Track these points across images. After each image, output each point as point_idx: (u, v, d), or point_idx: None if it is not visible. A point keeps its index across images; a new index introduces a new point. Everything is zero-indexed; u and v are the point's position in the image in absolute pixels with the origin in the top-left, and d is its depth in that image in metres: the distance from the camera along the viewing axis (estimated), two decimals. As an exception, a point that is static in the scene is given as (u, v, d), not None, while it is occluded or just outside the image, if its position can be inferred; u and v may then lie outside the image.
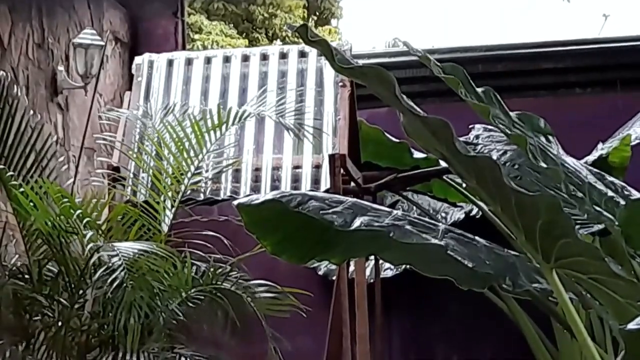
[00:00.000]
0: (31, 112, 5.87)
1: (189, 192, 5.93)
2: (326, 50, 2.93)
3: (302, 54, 6.89)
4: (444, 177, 6.70)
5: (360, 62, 3.09)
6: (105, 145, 6.90)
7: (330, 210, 2.94)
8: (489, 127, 4.65)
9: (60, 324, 5.26)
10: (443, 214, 7.59)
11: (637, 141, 6.84)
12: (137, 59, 7.13)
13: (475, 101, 3.38)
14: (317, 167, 6.40)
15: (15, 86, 6.07)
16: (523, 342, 6.91)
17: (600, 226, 3.66)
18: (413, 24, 29.77)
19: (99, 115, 7.10)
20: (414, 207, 7.38)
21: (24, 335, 5.33)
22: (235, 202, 3.15)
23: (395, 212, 3.06)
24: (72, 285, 5.28)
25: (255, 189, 6.36)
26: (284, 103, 6.27)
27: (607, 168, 5.80)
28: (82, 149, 7.04)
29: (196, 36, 17.05)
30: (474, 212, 7.15)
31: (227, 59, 7.01)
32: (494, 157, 4.14)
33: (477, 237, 3.16)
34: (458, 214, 7.47)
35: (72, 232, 5.24)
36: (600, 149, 6.96)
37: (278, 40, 18.40)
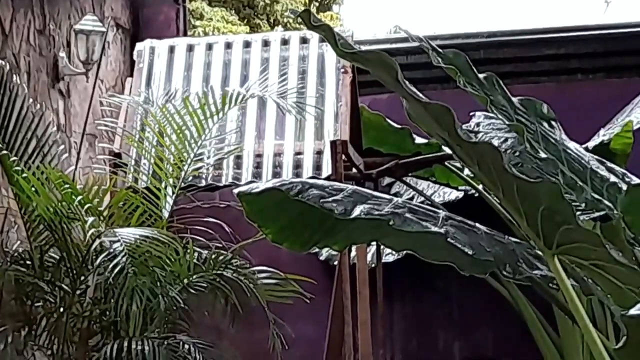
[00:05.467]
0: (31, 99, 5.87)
1: (190, 178, 5.94)
2: (329, 35, 2.92)
3: (304, 41, 6.88)
4: (446, 163, 6.71)
5: (362, 48, 3.09)
6: (106, 131, 6.90)
7: (330, 199, 2.93)
8: (490, 114, 4.65)
9: (61, 310, 5.28)
10: (441, 193, 7.61)
11: (639, 126, 6.83)
12: (139, 45, 7.12)
13: (475, 89, 3.38)
14: (319, 153, 6.40)
15: (16, 73, 6.07)
16: (524, 328, 6.93)
17: (601, 212, 3.66)
18: (414, 10, 29.75)
19: (100, 101, 7.09)
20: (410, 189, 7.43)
21: (25, 321, 5.35)
22: (236, 191, 3.14)
23: (395, 199, 3.05)
24: (74, 272, 5.29)
25: (257, 175, 6.36)
26: (285, 85, 6.26)
27: (608, 155, 5.80)
28: (83, 135, 7.04)
29: (197, 23, 17.03)
30: (472, 191, 7.15)
31: (228, 46, 7.00)
32: (495, 144, 4.14)
33: (477, 224, 3.16)
34: (456, 193, 7.49)
35: (73, 218, 5.25)
36: (602, 135, 6.96)
37: (279, 26, 18.38)
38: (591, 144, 6.67)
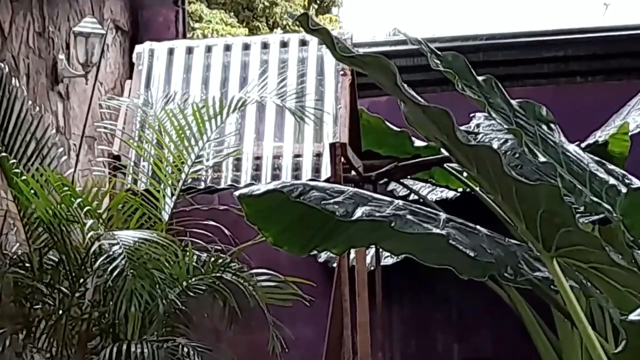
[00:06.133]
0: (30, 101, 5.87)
1: (189, 180, 5.93)
2: (327, 39, 2.92)
3: (303, 43, 6.89)
4: (445, 165, 6.70)
5: (361, 50, 3.09)
6: (105, 133, 6.90)
7: (331, 201, 2.93)
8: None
9: (60, 312, 5.27)
10: (438, 191, 7.63)
11: (638, 130, 6.82)
12: (138, 48, 7.13)
13: (473, 92, 3.38)
14: (318, 155, 6.40)
15: (15, 75, 6.07)
16: (523, 331, 6.93)
17: (601, 215, 3.66)
18: (414, 12, 29.76)
19: (99, 103, 7.09)
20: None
21: (24, 324, 5.34)
22: (237, 193, 3.14)
23: (396, 201, 3.05)
24: (73, 274, 5.28)
25: (256, 177, 6.36)
26: (284, 88, 6.26)
27: (607, 157, 5.79)
28: (82, 137, 7.04)
29: (196, 25, 17.02)
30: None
31: (227, 48, 7.00)
32: (495, 146, 4.14)
33: (478, 227, 3.16)
34: (454, 192, 7.51)
35: (72, 220, 5.24)
36: (598, 136, 6.96)
37: (279, 28, 18.37)
38: (583, 144, 6.65)
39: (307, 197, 2.95)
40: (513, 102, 3.83)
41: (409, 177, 7.31)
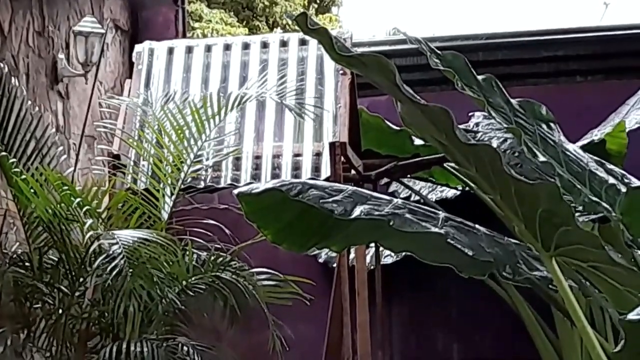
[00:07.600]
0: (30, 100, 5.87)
1: (189, 179, 5.93)
2: (325, 39, 2.91)
3: (303, 42, 6.89)
4: (445, 164, 6.70)
5: (360, 50, 3.09)
6: (105, 133, 6.90)
7: (330, 199, 2.94)
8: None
9: (60, 311, 5.27)
10: (438, 191, 7.63)
11: (637, 126, 6.81)
12: (138, 47, 7.12)
13: (473, 91, 3.38)
14: (318, 155, 6.40)
15: (15, 74, 6.07)
16: (523, 330, 6.93)
17: (600, 214, 3.66)
18: (414, 11, 29.76)
19: (99, 103, 7.09)
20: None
21: (24, 323, 5.34)
22: (236, 191, 3.15)
23: (395, 200, 3.05)
24: (73, 273, 5.28)
25: (256, 177, 6.36)
26: (284, 85, 6.26)
27: (604, 155, 5.79)
28: (82, 136, 7.04)
29: (196, 24, 17.01)
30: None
31: (227, 47, 7.00)
32: (494, 145, 4.14)
33: (477, 225, 3.16)
34: (454, 190, 7.51)
35: (72, 219, 5.24)
36: (594, 135, 6.96)
37: (278, 28, 18.36)
38: (580, 143, 6.64)
39: (306, 196, 2.95)
40: (513, 101, 3.84)
41: (408, 176, 7.31)
